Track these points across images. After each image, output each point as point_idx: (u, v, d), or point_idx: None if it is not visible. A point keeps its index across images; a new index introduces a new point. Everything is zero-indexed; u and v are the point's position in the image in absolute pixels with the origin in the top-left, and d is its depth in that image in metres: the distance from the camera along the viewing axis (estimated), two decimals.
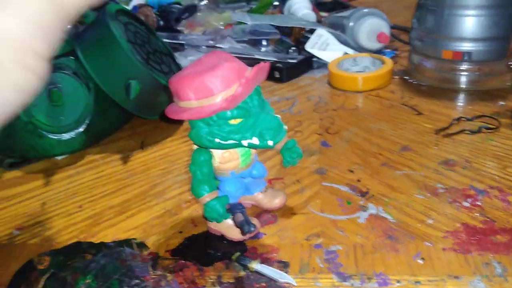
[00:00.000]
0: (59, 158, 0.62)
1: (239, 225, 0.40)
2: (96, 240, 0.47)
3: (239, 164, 0.44)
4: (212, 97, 0.39)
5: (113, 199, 0.53)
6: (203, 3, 1.04)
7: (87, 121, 0.62)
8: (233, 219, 0.42)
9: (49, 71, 0.28)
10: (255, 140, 0.40)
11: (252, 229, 0.39)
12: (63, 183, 0.57)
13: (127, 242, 0.46)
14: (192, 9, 0.93)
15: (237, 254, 0.43)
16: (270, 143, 0.40)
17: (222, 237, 0.45)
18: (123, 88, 0.59)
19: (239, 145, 0.40)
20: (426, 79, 0.73)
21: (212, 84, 0.38)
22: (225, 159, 0.43)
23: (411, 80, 0.74)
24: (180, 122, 0.69)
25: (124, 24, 0.63)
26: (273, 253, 0.43)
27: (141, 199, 0.53)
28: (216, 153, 0.43)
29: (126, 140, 0.66)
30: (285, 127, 0.41)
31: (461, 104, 0.68)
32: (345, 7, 1.07)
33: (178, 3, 1.03)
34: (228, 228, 0.45)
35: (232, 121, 0.40)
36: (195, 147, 0.43)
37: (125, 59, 0.59)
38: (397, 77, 0.76)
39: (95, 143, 0.65)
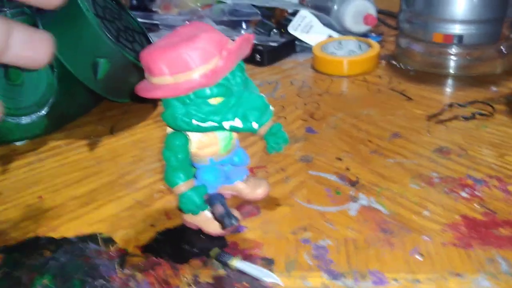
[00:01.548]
0: (18, 143, 0.56)
1: (219, 218, 0.36)
2: (56, 234, 0.42)
3: (219, 150, 0.39)
4: (188, 72, 0.34)
5: (78, 189, 0.48)
6: None
7: (49, 103, 0.56)
8: (212, 212, 0.37)
9: None
10: (238, 122, 0.35)
11: (234, 222, 0.35)
12: (21, 171, 0.51)
13: (91, 237, 0.41)
14: None
15: (216, 250, 0.38)
16: (255, 125, 0.35)
17: (199, 231, 0.41)
18: (90, 67, 0.54)
19: (220, 127, 0.36)
20: (414, 64, 0.69)
21: (189, 58, 0.34)
22: (203, 144, 0.38)
23: (398, 65, 0.70)
24: (153, 103, 0.63)
25: None
26: (256, 248, 0.38)
27: (109, 188, 0.48)
28: (194, 137, 0.38)
29: (94, 125, 0.60)
30: (272, 108, 0.37)
31: (452, 89, 0.64)
32: None
33: None
34: (205, 221, 0.40)
35: (212, 100, 0.35)
36: (169, 130, 0.38)
37: (93, 35, 0.53)
38: (384, 61, 0.72)
39: (59, 128, 0.59)
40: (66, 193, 0.47)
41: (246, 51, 0.36)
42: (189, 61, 0.34)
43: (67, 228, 0.42)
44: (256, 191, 0.44)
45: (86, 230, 0.42)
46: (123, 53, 0.55)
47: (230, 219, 0.34)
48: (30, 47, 0.25)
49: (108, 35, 0.54)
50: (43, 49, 0.26)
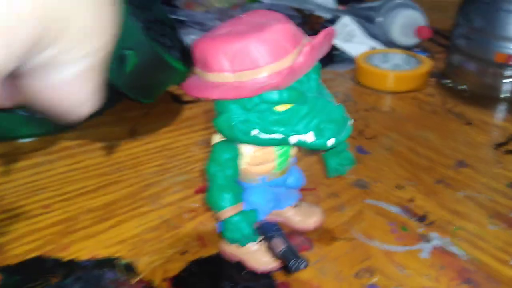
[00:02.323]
0: (24, 141, 0.49)
1: (281, 257, 0.28)
2: (66, 255, 0.34)
3: (274, 168, 0.32)
4: (256, 69, 0.27)
5: (93, 200, 0.40)
6: None
7: None
8: (269, 246, 0.30)
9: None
10: (310, 136, 0.28)
11: (302, 266, 0.27)
12: (26, 174, 0.44)
13: (109, 263, 0.34)
14: None
15: None
16: (331, 142, 0.28)
17: (240, 265, 0.34)
18: (116, 60, 0.47)
19: (284, 141, 0.28)
20: (467, 84, 0.62)
21: (258, 52, 0.27)
22: (257, 160, 0.31)
23: (451, 84, 0.64)
24: (178, 107, 0.56)
25: None
26: None
27: (131, 202, 0.40)
28: (246, 151, 0.31)
29: (110, 126, 0.53)
30: (351, 121, 0.30)
31: None
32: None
33: None
34: (250, 253, 0.33)
35: (279, 107, 0.28)
36: (216, 139, 0.31)
37: (122, 23, 0.46)
38: (433, 79, 0.65)
39: (72, 126, 0.52)
40: (78, 204, 0.40)
41: (326, 48, 0.30)
42: (258, 56, 0.27)
43: (79, 248, 0.35)
44: (308, 220, 0.37)
45: (102, 252, 0.35)
46: (154, 46, 0.47)
47: (297, 261, 0.27)
48: None
49: (138, 25, 0.47)
50: None
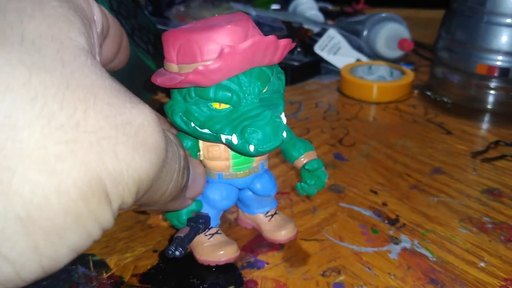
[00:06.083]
0: None
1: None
2: None
3: (230, 168, 0.32)
4: (193, 64, 0.27)
5: None
6: None
7: None
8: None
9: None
10: (234, 138, 0.28)
11: (171, 253, 0.30)
12: None
13: (81, 259, 0.34)
14: None
15: None
16: (251, 148, 0.28)
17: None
18: None
19: (217, 138, 0.29)
20: (451, 95, 0.63)
21: (197, 48, 0.27)
22: (211, 155, 0.32)
23: (433, 96, 0.65)
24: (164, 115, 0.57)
25: None
26: None
27: None
28: (201, 143, 0.32)
29: None
30: (284, 134, 0.29)
31: (495, 126, 0.58)
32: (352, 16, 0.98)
33: None
34: (196, 245, 0.34)
35: (216, 105, 0.28)
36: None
37: None
38: (416, 91, 0.66)
39: None
40: None
41: (268, 58, 0.29)
42: (196, 51, 0.27)
43: None
44: (279, 231, 0.36)
45: None
46: (137, 53, 0.49)
47: (171, 248, 0.29)
48: None
49: None
50: None
